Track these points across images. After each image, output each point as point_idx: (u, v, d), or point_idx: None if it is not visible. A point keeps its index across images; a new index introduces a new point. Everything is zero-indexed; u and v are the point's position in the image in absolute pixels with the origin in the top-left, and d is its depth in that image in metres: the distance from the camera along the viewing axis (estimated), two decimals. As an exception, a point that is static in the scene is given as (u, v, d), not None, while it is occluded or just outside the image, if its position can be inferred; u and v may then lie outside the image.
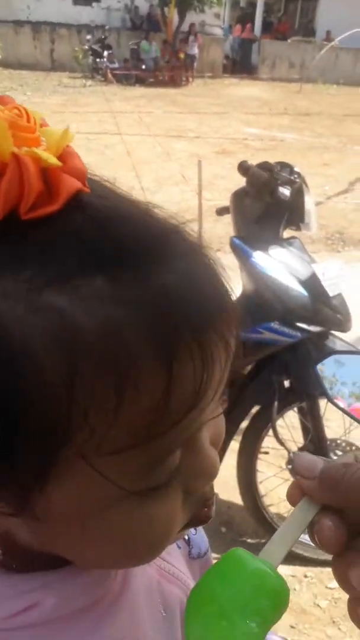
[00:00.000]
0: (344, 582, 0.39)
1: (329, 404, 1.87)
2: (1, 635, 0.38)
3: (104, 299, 0.30)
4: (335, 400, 1.56)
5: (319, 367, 1.65)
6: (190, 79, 17.34)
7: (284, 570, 1.93)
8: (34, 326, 0.30)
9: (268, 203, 1.88)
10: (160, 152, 8.05)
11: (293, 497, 0.42)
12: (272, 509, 1.99)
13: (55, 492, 0.33)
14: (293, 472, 0.45)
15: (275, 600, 0.42)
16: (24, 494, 0.33)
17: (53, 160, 0.32)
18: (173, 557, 0.54)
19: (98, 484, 0.33)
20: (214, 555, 1.99)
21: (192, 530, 0.58)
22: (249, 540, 2.04)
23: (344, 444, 1.91)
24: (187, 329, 0.32)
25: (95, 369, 0.30)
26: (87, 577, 0.41)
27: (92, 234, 0.32)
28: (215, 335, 0.34)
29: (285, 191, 1.85)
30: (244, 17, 22.49)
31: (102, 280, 0.31)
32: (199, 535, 0.59)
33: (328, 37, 17.83)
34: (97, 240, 0.32)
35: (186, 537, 0.58)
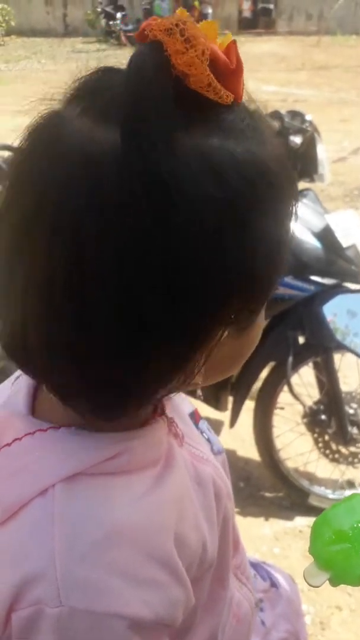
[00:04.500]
0: None
1: (344, 358, 1.85)
2: (87, 479, 0.46)
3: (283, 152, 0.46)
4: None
5: (330, 318, 1.63)
6: (205, 38, 16.85)
7: (304, 521, 1.95)
8: (269, 158, 0.42)
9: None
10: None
11: None
12: (289, 463, 1.99)
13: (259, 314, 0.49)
14: None
15: None
16: (253, 314, 0.47)
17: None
18: (203, 446, 0.63)
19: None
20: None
21: (207, 431, 0.69)
22: (266, 494, 2.06)
23: (359, 397, 1.90)
24: None
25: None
26: (150, 439, 0.51)
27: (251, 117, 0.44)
28: None
29: (296, 139, 1.80)
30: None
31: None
32: (213, 436, 0.70)
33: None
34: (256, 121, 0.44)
35: (206, 437, 0.68)
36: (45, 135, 0.41)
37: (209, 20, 0.41)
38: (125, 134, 0.37)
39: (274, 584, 0.84)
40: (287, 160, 0.46)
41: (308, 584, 0.53)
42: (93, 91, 0.42)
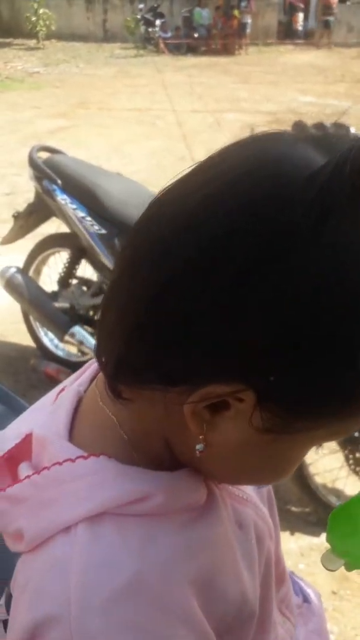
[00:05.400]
0: None
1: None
2: (112, 520, 0.44)
3: None
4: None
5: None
6: (244, 47, 16.88)
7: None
8: None
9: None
10: (211, 122, 7.93)
11: None
12: (318, 479, 1.97)
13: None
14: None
15: None
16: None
17: None
18: (243, 485, 0.60)
19: None
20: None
21: None
22: (293, 509, 2.04)
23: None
24: None
25: None
26: (185, 483, 0.48)
27: None
28: None
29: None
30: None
31: None
32: None
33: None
34: None
35: None
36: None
37: None
38: (325, 169, 0.37)
39: (306, 599, 0.82)
40: None
41: (325, 568, 0.56)
42: (328, 134, 0.44)
